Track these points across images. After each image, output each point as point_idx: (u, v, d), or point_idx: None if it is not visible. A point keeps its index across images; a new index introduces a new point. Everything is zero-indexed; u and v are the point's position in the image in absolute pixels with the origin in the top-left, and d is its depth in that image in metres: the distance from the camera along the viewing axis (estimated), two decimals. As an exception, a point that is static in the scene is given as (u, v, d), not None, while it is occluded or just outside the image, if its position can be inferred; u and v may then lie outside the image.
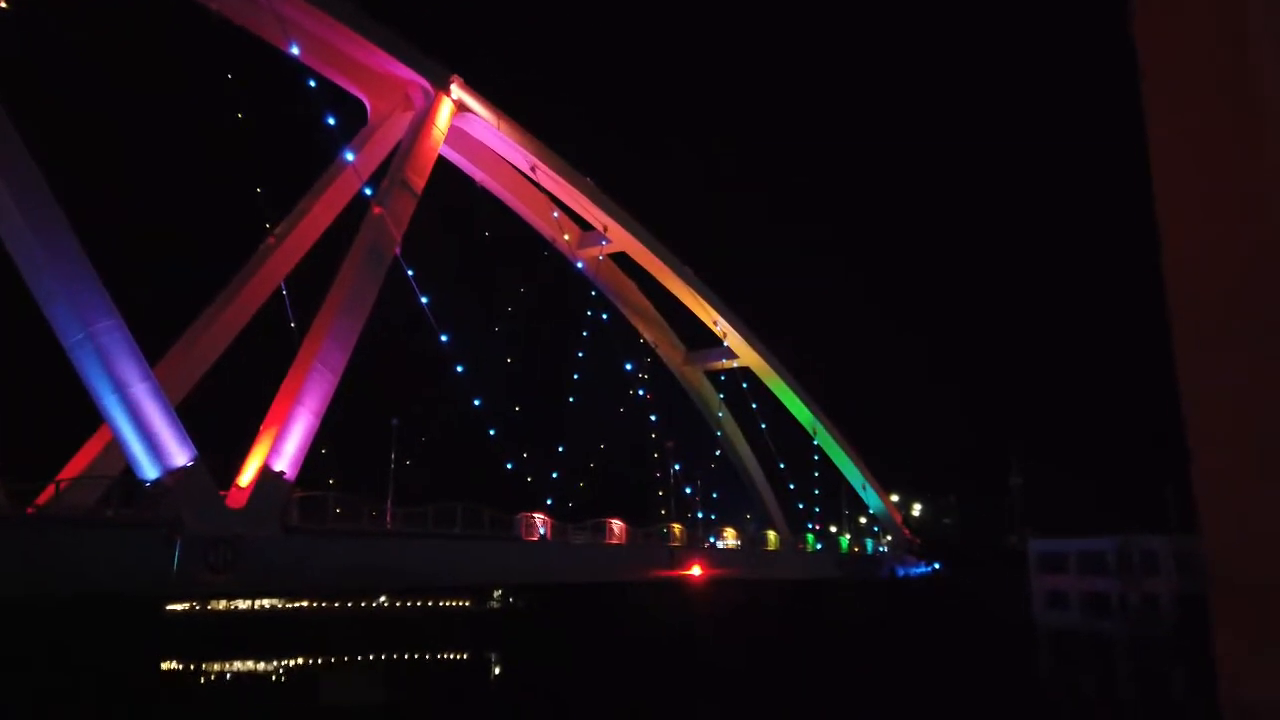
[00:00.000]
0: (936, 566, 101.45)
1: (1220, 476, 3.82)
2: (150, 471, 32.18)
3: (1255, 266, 3.72)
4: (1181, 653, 49.06)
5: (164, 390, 34.04)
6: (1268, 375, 3.62)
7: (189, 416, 35.45)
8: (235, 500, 35.25)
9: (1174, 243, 4.11)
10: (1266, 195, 3.81)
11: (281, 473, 36.72)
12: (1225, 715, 3.66)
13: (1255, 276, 3.70)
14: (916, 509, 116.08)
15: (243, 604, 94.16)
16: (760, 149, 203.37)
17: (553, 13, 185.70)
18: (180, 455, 32.47)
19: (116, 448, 34.56)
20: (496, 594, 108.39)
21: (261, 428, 38.21)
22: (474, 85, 53.81)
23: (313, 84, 45.67)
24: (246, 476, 36.31)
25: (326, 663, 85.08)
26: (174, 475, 32.13)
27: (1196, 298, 3.99)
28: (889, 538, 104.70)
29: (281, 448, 37.04)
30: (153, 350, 37.78)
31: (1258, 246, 3.75)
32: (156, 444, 32.12)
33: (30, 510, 32.83)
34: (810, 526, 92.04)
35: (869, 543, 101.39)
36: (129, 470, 33.75)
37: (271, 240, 46.17)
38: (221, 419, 43.04)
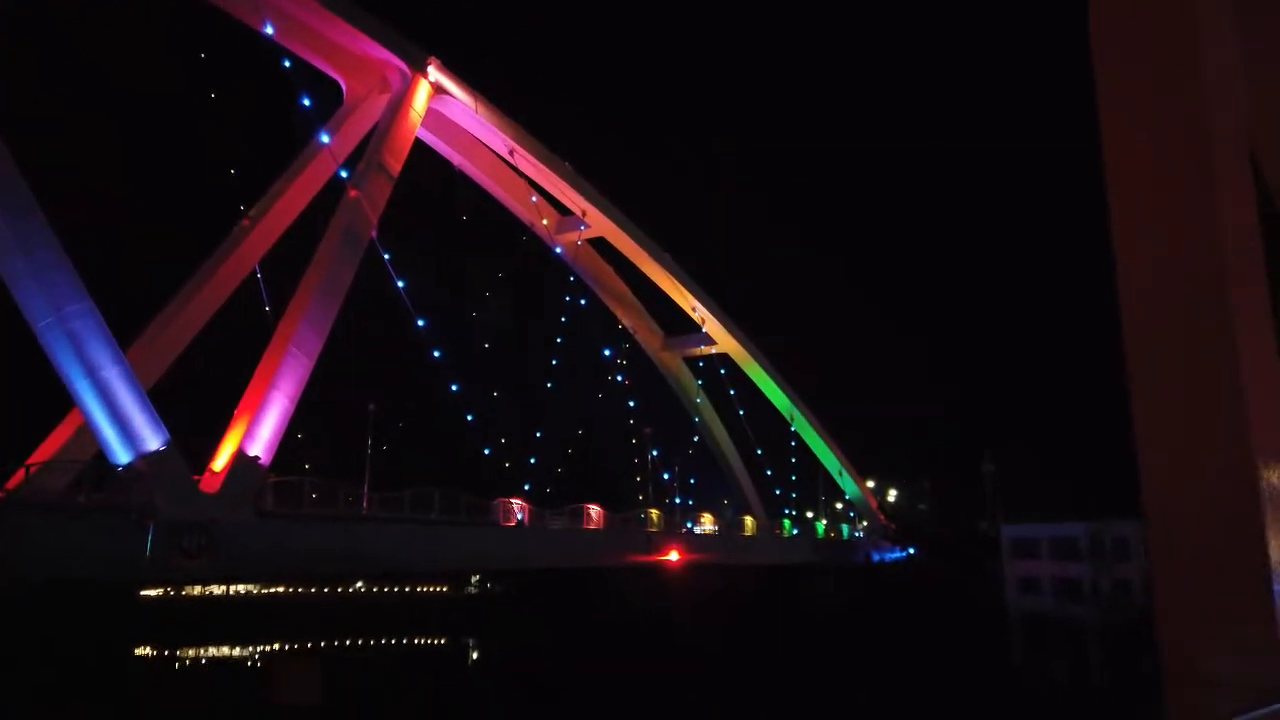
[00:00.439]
0: (911, 551, 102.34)
1: (1163, 468, 4.03)
2: (122, 456, 31.86)
3: (1202, 268, 3.83)
4: (1152, 639, 49.74)
5: (136, 374, 33.67)
6: (1208, 377, 3.75)
7: (162, 401, 35.10)
8: (209, 485, 34.97)
9: (1125, 248, 4.19)
10: (1214, 202, 3.90)
11: (256, 457, 36.45)
12: (1169, 686, 3.88)
13: (1204, 279, 3.81)
14: (892, 494, 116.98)
15: (217, 589, 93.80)
16: (741, 136, 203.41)
17: (546, 7, 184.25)
18: (153, 439, 32.16)
19: (88, 432, 34.18)
20: (474, 579, 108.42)
21: (236, 412, 37.89)
22: (461, 74, 53.52)
23: (288, 65, 45.14)
24: (220, 461, 36.03)
25: (302, 648, 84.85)
26: (146, 460, 31.83)
27: (1148, 301, 4.09)
28: (864, 523, 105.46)
29: (256, 432, 36.75)
30: (125, 333, 37.37)
31: (1204, 249, 3.86)
32: (128, 428, 31.79)
33: (0, 495, 32.45)
34: (787, 512, 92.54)
35: (845, 528, 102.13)
36: (101, 455, 33.41)
37: (246, 223, 45.70)
38: (195, 403, 42.67)
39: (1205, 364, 3.87)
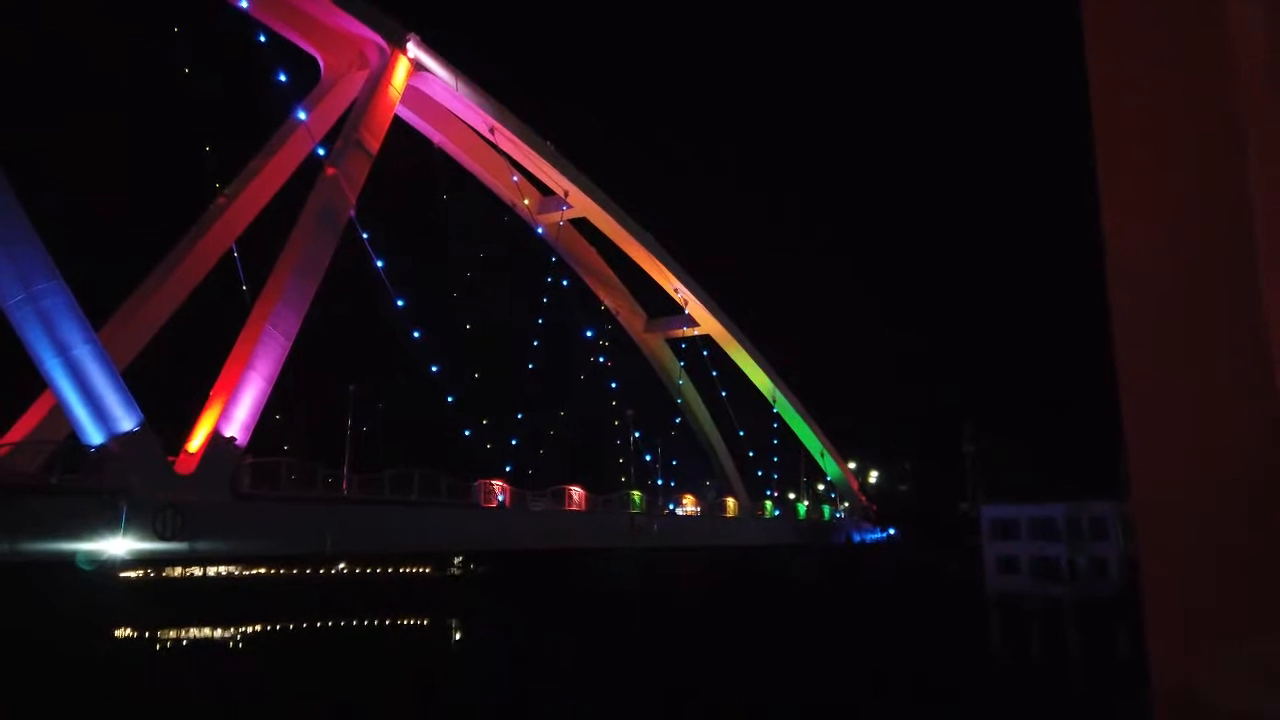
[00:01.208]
0: (891, 532, 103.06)
1: (1159, 484, 3.59)
2: (95, 437, 31.47)
3: (1207, 261, 3.38)
4: (1127, 615, 50.39)
5: (110, 354, 33.20)
6: (1212, 377, 3.39)
7: (136, 381, 34.66)
8: (184, 466, 34.61)
9: (1116, 233, 3.77)
10: (1241, 160, 3.37)
11: (232, 438, 36.08)
12: (1156, 707, 3.46)
13: (1209, 273, 3.37)
14: (873, 476, 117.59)
15: (198, 571, 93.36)
16: (726, 122, 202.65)
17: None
18: (126, 420, 31.75)
19: (61, 412, 33.70)
20: (457, 560, 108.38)
21: (211, 393, 37.47)
22: (441, 51, 52.89)
23: (263, 39, 44.40)
24: (196, 442, 35.63)
25: (285, 629, 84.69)
26: (120, 440, 31.44)
27: (1140, 293, 3.68)
28: (846, 504, 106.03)
29: (232, 413, 36.36)
30: (98, 312, 36.83)
31: (1228, 218, 3.38)
32: (101, 408, 31.38)
33: (-30, 476, 31.95)
34: (769, 493, 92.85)
35: (826, 509, 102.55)
36: (74, 436, 32.97)
37: (222, 200, 45.03)
38: (170, 384, 42.20)
39: (1226, 348, 3.36)
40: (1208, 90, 3.61)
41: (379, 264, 48.11)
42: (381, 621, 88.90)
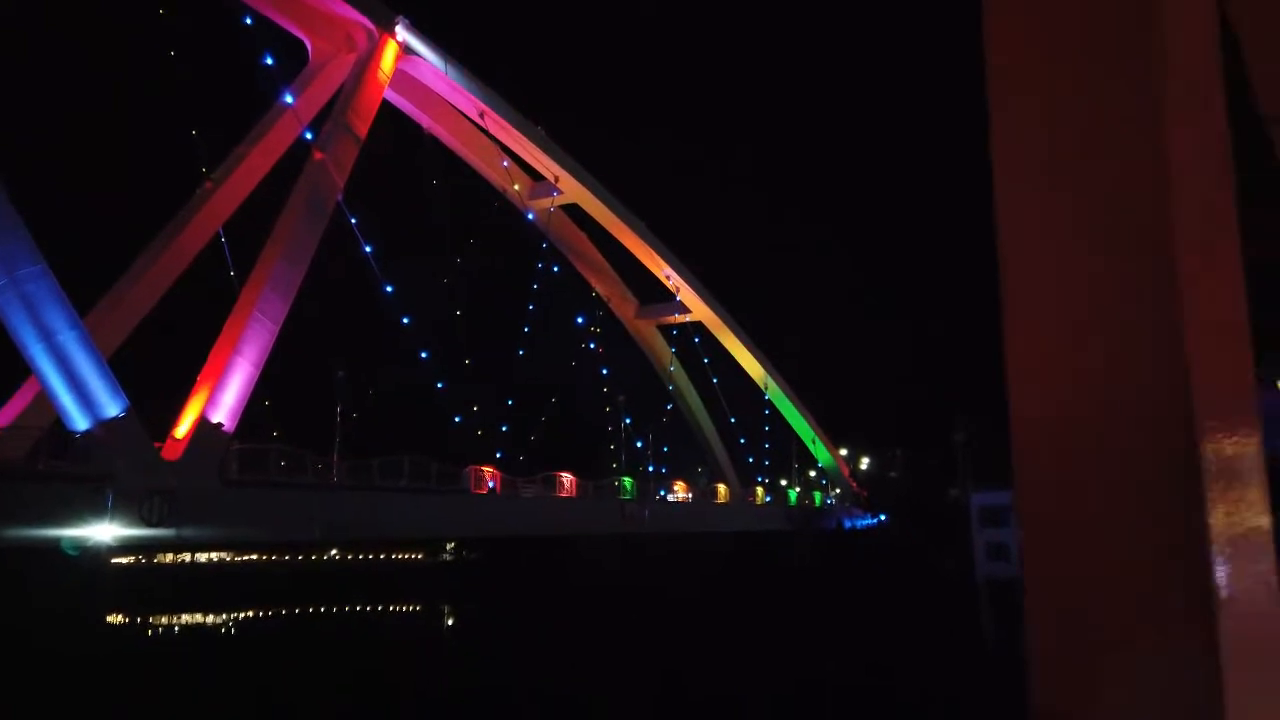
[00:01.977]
0: (882, 518, 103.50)
1: (1036, 486, 3.33)
2: (80, 423, 31.30)
3: (1145, 194, 3.04)
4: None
5: (97, 341, 33.02)
6: (1093, 368, 3.13)
7: (122, 367, 34.49)
8: (171, 452, 34.47)
9: (1008, 214, 3.45)
10: (1161, 104, 2.91)
11: (219, 424, 35.93)
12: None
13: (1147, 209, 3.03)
14: (864, 463, 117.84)
15: (187, 557, 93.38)
16: (724, 115, 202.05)
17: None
18: (112, 406, 31.59)
19: (46, 398, 33.50)
20: (450, 547, 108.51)
21: (199, 379, 37.29)
22: (431, 35, 52.47)
23: (249, 21, 43.99)
24: (183, 428, 35.48)
25: (277, 615, 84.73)
26: (106, 426, 31.29)
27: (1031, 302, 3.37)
28: (837, 490, 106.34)
29: (219, 399, 36.20)
30: (84, 299, 36.58)
31: (1147, 167, 2.96)
32: (86, 394, 31.22)
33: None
34: (760, 480, 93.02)
35: (817, 495, 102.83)
36: (59, 422, 32.80)
37: (209, 185, 44.69)
38: (157, 370, 42.00)
39: (1107, 338, 3.03)
40: (1106, 66, 3.21)
41: (367, 249, 47.91)
42: (374, 607, 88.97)
